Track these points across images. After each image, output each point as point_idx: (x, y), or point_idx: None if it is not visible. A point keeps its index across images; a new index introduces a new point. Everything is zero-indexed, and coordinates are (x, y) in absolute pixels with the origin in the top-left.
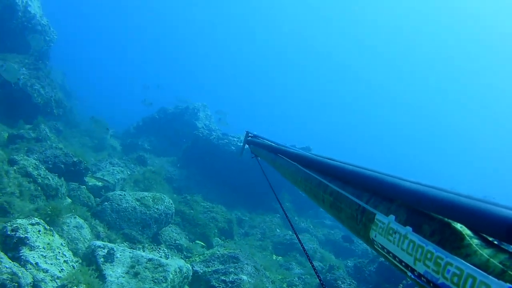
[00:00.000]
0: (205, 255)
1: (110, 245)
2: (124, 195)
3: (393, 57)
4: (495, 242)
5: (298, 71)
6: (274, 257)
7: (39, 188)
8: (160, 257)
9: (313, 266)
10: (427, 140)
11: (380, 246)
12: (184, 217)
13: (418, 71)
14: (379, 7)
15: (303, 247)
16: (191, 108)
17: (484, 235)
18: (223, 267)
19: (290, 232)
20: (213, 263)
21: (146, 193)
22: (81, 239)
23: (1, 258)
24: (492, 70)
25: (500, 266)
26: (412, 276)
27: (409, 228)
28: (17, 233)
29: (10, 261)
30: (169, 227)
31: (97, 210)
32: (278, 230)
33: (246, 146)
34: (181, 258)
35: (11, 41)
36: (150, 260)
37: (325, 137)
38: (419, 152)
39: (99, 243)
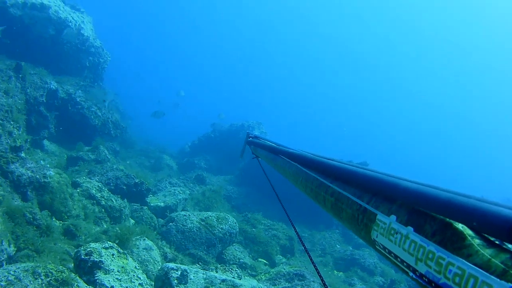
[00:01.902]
0: (271, 273)
1: (183, 266)
2: (189, 215)
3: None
4: (497, 242)
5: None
6: (336, 272)
7: (103, 210)
8: (233, 277)
9: (309, 256)
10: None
11: (381, 247)
12: (246, 235)
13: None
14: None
15: (302, 243)
16: (246, 126)
17: (486, 235)
18: (289, 285)
19: (351, 248)
20: (279, 281)
21: (210, 213)
22: (151, 261)
23: (78, 282)
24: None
25: (502, 266)
26: (414, 276)
27: (410, 228)
28: (91, 257)
29: (86, 285)
30: (232, 245)
31: (162, 231)
32: (338, 245)
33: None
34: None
35: (65, 63)
36: (223, 281)
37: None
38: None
39: (172, 265)
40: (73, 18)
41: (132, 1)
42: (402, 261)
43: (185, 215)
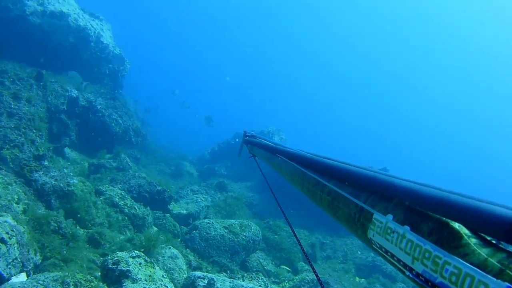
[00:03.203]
0: (294, 280)
1: (210, 275)
2: (212, 223)
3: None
4: (493, 242)
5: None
6: (357, 279)
7: (126, 218)
8: (260, 286)
9: (307, 258)
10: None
11: (378, 246)
12: (268, 242)
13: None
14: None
15: (299, 242)
16: (266, 133)
17: (482, 234)
18: None
19: (372, 254)
20: None
21: (233, 221)
22: (177, 269)
23: None
24: None
25: (498, 265)
26: (410, 275)
27: (407, 227)
28: (119, 266)
29: None
30: (255, 253)
31: (186, 239)
32: (359, 252)
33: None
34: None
35: (86, 71)
36: None
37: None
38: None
39: (198, 273)
40: (92, 26)
41: (152, 8)
42: (399, 260)
43: (208, 223)
